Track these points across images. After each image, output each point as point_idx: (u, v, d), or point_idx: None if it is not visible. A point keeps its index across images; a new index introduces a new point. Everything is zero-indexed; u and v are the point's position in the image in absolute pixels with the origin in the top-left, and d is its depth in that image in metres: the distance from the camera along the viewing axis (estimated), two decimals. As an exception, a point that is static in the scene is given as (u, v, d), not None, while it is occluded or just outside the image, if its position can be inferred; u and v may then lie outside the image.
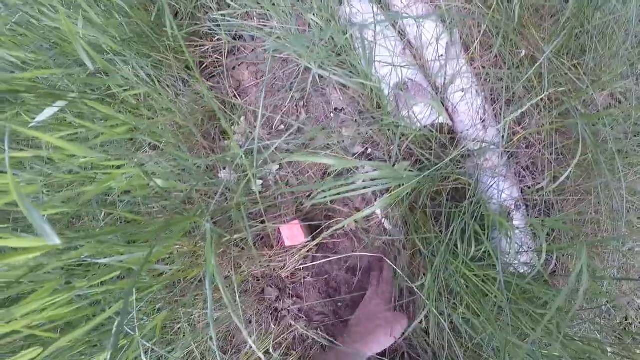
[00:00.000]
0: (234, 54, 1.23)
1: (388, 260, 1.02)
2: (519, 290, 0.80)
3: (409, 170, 0.95)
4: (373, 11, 1.00)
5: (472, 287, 0.83)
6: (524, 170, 1.07)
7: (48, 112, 0.62)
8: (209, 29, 1.19)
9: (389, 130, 1.02)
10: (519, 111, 0.85)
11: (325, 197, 0.72)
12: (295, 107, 1.16)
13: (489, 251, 0.84)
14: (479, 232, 0.87)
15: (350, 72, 1.06)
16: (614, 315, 1.11)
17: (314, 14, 1.03)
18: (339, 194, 0.71)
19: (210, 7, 1.17)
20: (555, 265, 1.05)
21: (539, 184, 1.02)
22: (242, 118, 1.15)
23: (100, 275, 0.66)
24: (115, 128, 0.74)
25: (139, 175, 0.70)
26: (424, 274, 0.92)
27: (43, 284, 0.56)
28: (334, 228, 0.83)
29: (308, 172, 1.12)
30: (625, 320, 1.13)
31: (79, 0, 0.89)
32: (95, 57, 0.69)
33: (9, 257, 0.46)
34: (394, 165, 0.99)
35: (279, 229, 1.01)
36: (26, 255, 0.47)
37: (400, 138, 1.00)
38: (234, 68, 1.23)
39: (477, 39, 1.02)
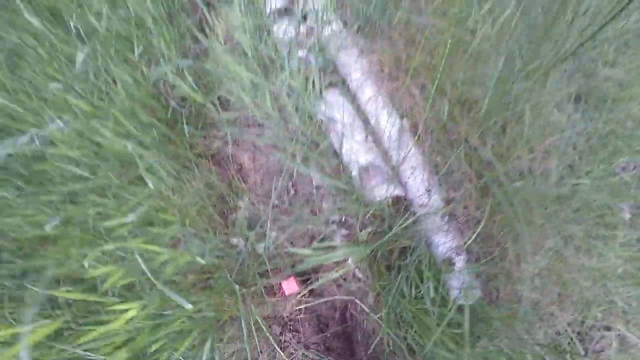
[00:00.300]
0: (237, 143, 1.59)
1: None
2: (449, 317, 1.14)
3: (373, 233, 1.30)
4: (342, 109, 1.37)
5: (417, 317, 1.17)
6: (462, 225, 1.41)
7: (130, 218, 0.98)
8: (216, 127, 1.56)
9: (357, 201, 1.37)
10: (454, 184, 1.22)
11: (312, 263, 1.06)
12: (287, 186, 1.51)
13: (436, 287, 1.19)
14: (417, 279, 1.22)
15: (326, 158, 1.43)
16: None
17: (297, 119, 1.40)
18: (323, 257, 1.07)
19: (216, 109, 1.54)
20: (491, 294, 1.39)
21: (471, 237, 1.37)
22: (246, 198, 1.50)
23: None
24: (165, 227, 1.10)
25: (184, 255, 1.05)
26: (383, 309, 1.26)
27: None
28: (320, 281, 1.18)
29: (300, 239, 1.47)
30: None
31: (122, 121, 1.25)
32: (151, 178, 1.05)
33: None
34: (360, 230, 1.34)
35: (280, 283, 1.34)
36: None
37: (365, 208, 1.35)
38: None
39: (421, 127, 1.39)
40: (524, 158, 1.42)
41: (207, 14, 1.58)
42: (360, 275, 1.38)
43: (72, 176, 1.28)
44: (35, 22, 1.35)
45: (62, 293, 0.98)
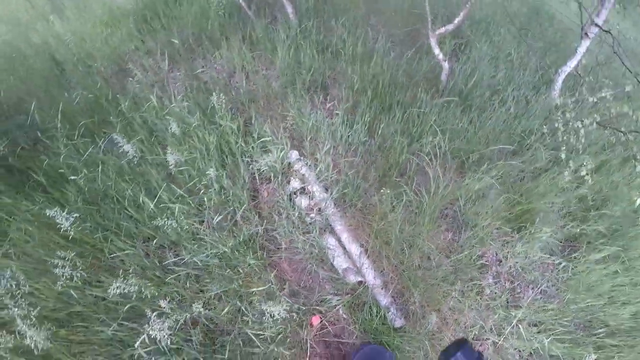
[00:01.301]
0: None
1: None
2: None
3: (351, 296, 2.93)
4: (333, 243, 3.09)
5: (380, 329, 2.76)
6: (391, 293, 3.04)
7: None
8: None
9: (341, 283, 3.00)
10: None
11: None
12: (307, 278, 3.14)
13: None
14: (373, 312, 2.84)
15: (327, 265, 3.09)
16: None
17: (313, 248, 3.10)
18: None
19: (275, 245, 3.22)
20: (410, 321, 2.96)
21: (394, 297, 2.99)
22: (287, 285, 3.11)
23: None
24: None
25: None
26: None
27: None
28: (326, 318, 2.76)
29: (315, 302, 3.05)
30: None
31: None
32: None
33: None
34: (345, 294, 2.96)
35: (311, 319, 2.88)
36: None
37: (346, 285, 2.97)
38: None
39: (369, 252, 3.10)
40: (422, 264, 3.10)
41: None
42: (344, 316, 2.95)
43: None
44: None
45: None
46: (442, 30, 4.01)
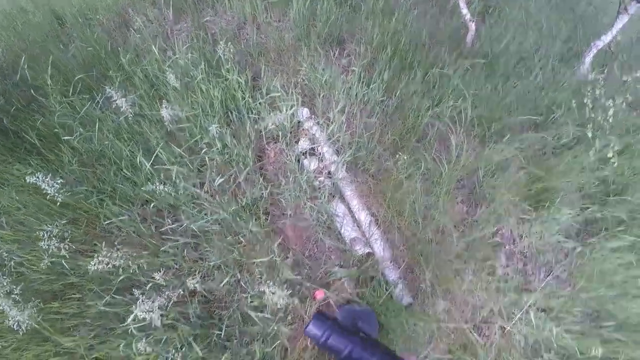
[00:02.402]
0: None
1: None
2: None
3: (357, 269, 2.73)
4: (342, 211, 2.86)
5: (385, 304, 2.58)
6: (400, 267, 2.85)
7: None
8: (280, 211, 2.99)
9: (349, 254, 2.80)
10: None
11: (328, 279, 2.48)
12: (314, 247, 2.92)
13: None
14: (382, 288, 2.64)
15: (334, 233, 2.87)
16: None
17: (320, 215, 2.87)
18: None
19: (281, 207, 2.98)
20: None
21: (404, 272, 2.80)
22: (291, 253, 2.89)
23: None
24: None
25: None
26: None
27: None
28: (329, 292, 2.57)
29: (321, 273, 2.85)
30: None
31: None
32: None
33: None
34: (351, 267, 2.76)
35: (314, 291, 2.70)
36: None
37: (353, 257, 2.77)
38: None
39: (380, 222, 2.88)
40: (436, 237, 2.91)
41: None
42: (349, 290, 2.76)
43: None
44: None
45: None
46: (471, -13, 3.68)
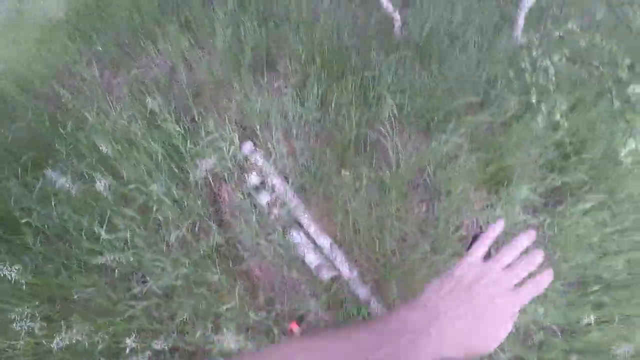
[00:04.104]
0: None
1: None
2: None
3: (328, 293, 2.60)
4: (302, 238, 2.73)
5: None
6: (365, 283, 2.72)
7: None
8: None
9: (315, 281, 2.67)
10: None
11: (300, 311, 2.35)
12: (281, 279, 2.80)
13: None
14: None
15: (296, 263, 2.75)
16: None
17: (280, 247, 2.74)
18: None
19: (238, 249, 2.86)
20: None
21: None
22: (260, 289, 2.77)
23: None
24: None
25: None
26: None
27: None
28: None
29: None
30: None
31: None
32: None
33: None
34: (319, 295, 2.63)
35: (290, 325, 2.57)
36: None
37: (320, 284, 2.64)
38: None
39: (339, 235, 2.75)
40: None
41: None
42: (325, 317, 2.64)
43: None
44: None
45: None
46: (387, -23, 3.51)
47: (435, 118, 3.13)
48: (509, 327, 0.61)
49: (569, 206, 2.88)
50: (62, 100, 3.74)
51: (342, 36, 3.59)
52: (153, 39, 3.95)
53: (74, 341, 2.21)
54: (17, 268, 2.40)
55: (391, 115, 2.98)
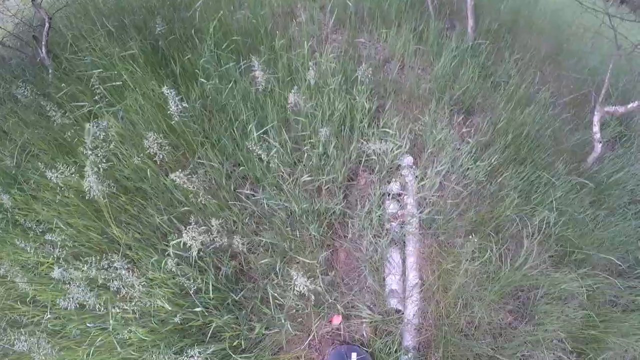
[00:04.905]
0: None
1: None
2: None
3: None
4: (395, 261, 2.87)
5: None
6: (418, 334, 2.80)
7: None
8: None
9: (382, 300, 2.80)
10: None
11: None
12: (355, 275, 2.96)
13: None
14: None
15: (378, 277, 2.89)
16: None
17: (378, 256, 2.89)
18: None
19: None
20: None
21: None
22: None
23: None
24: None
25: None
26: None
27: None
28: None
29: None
30: None
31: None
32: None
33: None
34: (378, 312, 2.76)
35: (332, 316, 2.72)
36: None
37: (385, 305, 2.76)
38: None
39: (428, 282, 2.85)
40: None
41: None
42: (364, 333, 2.75)
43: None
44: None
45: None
46: (611, 109, 3.47)
47: (575, 255, 3.11)
48: None
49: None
50: (290, 21, 4.18)
51: (542, 132, 3.65)
52: (387, 25, 4.35)
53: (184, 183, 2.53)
54: (184, 105, 2.80)
55: (543, 224, 3.02)
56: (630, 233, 3.34)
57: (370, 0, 4.51)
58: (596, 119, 3.51)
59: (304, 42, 3.59)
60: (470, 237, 2.85)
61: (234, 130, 3.19)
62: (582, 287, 2.87)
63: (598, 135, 3.55)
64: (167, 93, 2.65)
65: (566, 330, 2.84)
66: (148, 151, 2.63)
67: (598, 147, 3.58)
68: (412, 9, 4.49)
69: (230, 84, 3.32)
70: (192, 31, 3.69)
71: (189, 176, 2.53)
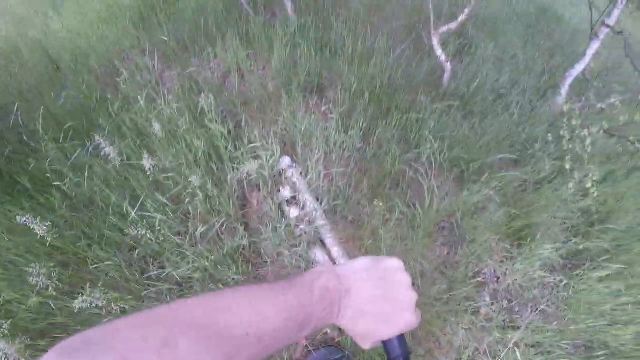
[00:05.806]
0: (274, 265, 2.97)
1: None
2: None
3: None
4: (321, 257, 2.81)
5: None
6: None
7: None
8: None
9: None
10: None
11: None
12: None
13: None
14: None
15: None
16: None
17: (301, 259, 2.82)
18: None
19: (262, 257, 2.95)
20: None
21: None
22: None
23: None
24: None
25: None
26: None
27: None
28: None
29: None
30: None
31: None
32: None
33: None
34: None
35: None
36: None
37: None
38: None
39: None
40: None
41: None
42: (333, 335, 2.69)
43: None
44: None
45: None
46: (445, 28, 3.65)
47: (470, 168, 3.21)
48: (408, 318, 0.68)
49: (587, 271, 2.89)
50: (117, 79, 3.95)
51: (393, 75, 3.73)
52: (212, 43, 4.16)
53: (94, 304, 2.28)
54: (46, 224, 2.50)
55: (431, 157, 3.09)
56: (508, 124, 3.53)
57: (188, 22, 4.43)
58: (435, 42, 3.67)
59: (137, 96, 3.43)
60: (374, 202, 2.86)
61: (111, 218, 2.97)
62: (490, 191, 2.97)
63: (443, 56, 3.72)
64: (26, 220, 2.42)
65: (497, 232, 2.94)
66: (38, 283, 2.38)
67: (447, 65, 3.75)
68: (229, 14, 4.44)
69: (86, 172, 3.07)
70: (24, 136, 3.40)
71: (93, 293, 2.31)
